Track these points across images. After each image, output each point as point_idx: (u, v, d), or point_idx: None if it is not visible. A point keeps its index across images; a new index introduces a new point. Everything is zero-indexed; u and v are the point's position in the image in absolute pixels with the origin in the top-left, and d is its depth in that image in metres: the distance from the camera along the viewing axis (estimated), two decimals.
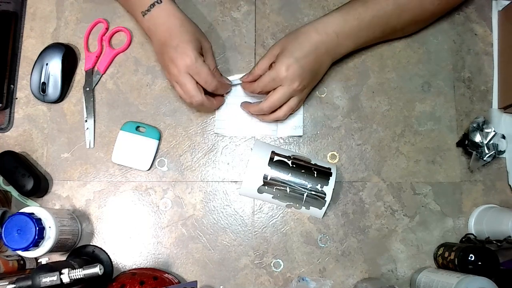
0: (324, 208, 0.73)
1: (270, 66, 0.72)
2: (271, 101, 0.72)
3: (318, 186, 0.72)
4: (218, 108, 0.78)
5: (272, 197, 0.74)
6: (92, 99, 0.79)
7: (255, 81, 0.73)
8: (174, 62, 0.69)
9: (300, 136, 0.79)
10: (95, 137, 0.78)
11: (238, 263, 0.76)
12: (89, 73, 0.80)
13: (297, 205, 0.74)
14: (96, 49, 0.80)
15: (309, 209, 0.74)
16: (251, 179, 0.73)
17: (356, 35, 0.73)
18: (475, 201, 0.78)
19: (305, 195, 0.73)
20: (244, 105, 0.77)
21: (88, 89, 0.79)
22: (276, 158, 0.73)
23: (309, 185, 0.72)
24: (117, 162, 0.77)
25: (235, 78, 0.78)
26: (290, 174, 0.72)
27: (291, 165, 0.73)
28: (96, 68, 0.80)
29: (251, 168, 0.73)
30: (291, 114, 0.76)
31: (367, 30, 0.73)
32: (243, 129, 0.79)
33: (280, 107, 0.73)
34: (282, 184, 0.73)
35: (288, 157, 0.74)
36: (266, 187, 0.73)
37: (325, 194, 0.72)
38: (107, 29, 0.81)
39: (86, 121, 0.78)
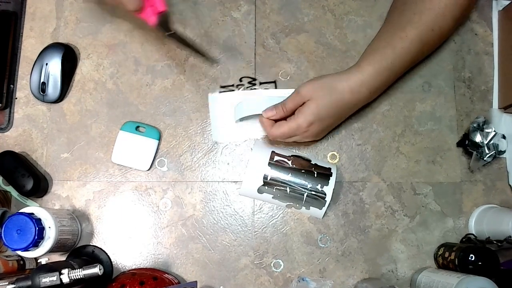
0: (324, 208, 0.73)
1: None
2: (282, 139, 0.72)
3: (318, 186, 0.72)
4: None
5: (272, 197, 0.74)
6: (183, 37, 0.72)
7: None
8: None
9: None
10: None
11: (238, 263, 0.76)
12: (162, 22, 0.68)
13: (297, 205, 0.74)
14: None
15: (309, 209, 0.74)
16: (251, 179, 0.73)
17: (387, 85, 0.73)
18: (476, 201, 0.78)
19: (305, 195, 0.72)
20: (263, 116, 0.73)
21: (168, 34, 0.69)
22: (276, 158, 0.73)
23: (309, 185, 0.72)
24: (117, 162, 0.77)
25: (253, 99, 0.77)
26: (290, 174, 0.72)
27: (291, 165, 0.73)
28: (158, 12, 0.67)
29: (251, 168, 0.73)
30: None
31: (397, 76, 0.73)
32: (240, 133, 0.79)
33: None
34: (282, 184, 0.72)
35: (288, 157, 0.74)
36: (266, 187, 0.73)
37: (325, 194, 0.72)
38: None
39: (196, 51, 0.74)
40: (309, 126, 0.70)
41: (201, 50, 0.76)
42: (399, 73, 0.73)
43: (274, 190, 0.73)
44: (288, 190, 0.73)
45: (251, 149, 0.77)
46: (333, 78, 0.70)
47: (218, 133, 0.78)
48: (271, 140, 0.78)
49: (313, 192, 0.72)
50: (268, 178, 0.72)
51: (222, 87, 0.80)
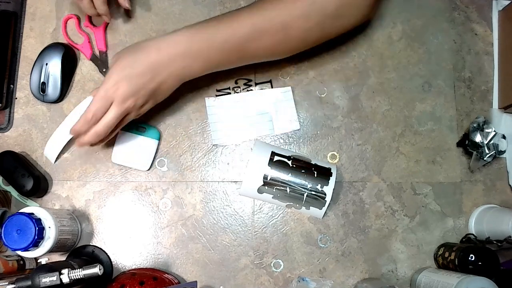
0: (324, 208, 0.73)
1: None
2: (105, 122, 0.65)
3: (318, 186, 0.72)
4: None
5: (272, 197, 0.74)
6: None
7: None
8: None
9: (299, 133, 0.79)
10: None
11: (238, 263, 0.76)
12: (95, 59, 0.80)
13: (297, 205, 0.74)
14: (82, 38, 0.80)
15: (309, 209, 0.74)
16: (251, 179, 0.73)
17: (206, 58, 0.67)
18: (476, 201, 0.78)
19: (305, 195, 0.72)
20: (78, 142, 0.68)
21: (105, 70, 0.80)
22: (276, 158, 0.73)
23: (309, 185, 0.72)
24: (117, 162, 0.77)
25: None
26: (290, 174, 0.72)
27: (291, 165, 0.73)
28: (97, 51, 0.80)
29: (251, 168, 0.73)
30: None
31: (220, 54, 0.67)
32: (240, 135, 0.78)
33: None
34: (282, 184, 0.73)
35: (288, 157, 0.74)
36: (266, 187, 0.73)
37: (325, 194, 0.72)
38: (78, 19, 0.81)
39: None
40: (117, 86, 0.64)
41: None
42: (226, 51, 0.67)
43: (274, 190, 0.73)
44: (288, 190, 0.73)
45: (251, 149, 0.77)
46: (145, 40, 0.67)
47: (217, 136, 0.78)
48: (271, 140, 0.78)
49: (313, 192, 0.72)
50: (268, 178, 0.72)
51: (218, 91, 0.79)
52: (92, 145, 0.68)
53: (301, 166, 0.73)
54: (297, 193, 0.73)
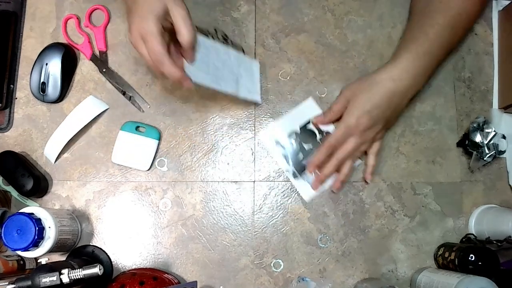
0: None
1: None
2: (345, 152, 0.73)
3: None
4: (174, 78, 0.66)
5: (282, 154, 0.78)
6: (114, 74, 0.80)
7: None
8: (130, 29, 0.65)
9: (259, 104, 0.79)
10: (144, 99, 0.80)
11: (238, 263, 0.76)
12: (95, 59, 0.80)
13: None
14: (82, 38, 0.80)
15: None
16: (279, 127, 0.78)
17: (430, 69, 0.73)
18: (476, 201, 0.78)
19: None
20: (316, 159, 0.75)
21: (104, 70, 0.80)
22: (309, 126, 0.78)
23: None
24: (117, 162, 0.77)
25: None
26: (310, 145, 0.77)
27: (318, 139, 0.77)
28: (97, 51, 0.81)
29: (287, 117, 0.78)
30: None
31: (438, 60, 0.74)
32: (212, 78, 0.72)
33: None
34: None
35: (321, 132, 0.78)
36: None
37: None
38: (78, 19, 0.81)
39: (124, 93, 0.79)
40: (358, 121, 0.71)
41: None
42: (438, 57, 0.74)
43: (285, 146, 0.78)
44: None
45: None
46: (372, 74, 0.73)
47: (190, 71, 0.69)
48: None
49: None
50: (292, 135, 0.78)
51: (197, 27, 0.77)
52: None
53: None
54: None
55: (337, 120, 0.76)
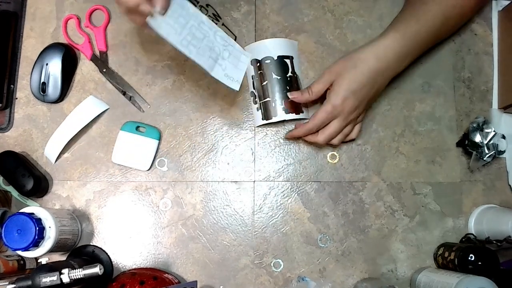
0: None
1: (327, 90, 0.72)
2: (328, 134, 0.72)
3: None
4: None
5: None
6: (114, 74, 0.80)
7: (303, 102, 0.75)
8: None
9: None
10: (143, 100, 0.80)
11: (238, 263, 0.76)
12: (95, 59, 0.80)
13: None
14: (82, 38, 0.81)
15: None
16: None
17: (414, 53, 0.73)
18: (475, 201, 0.78)
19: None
20: (296, 132, 0.75)
21: (105, 70, 0.80)
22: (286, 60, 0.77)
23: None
24: (117, 162, 0.77)
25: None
26: None
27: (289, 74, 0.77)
28: (97, 51, 0.81)
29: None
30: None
31: (423, 48, 0.74)
32: (182, 41, 0.66)
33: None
34: None
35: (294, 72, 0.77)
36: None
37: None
38: (78, 19, 0.81)
39: (124, 93, 0.79)
40: (344, 102, 0.69)
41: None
42: (425, 42, 0.73)
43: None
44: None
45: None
46: (357, 50, 0.71)
47: (156, 23, 0.64)
48: None
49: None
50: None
51: None
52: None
53: None
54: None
55: (312, 102, 0.75)
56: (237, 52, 0.71)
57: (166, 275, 0.73)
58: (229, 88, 0.69)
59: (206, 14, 0.74)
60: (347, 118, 0.71)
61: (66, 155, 0.78)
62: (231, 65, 0.71)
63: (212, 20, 0.71)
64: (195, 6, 0.69)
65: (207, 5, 0.78)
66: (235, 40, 0.77)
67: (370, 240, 0.76)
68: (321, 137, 0.72)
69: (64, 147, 0.76)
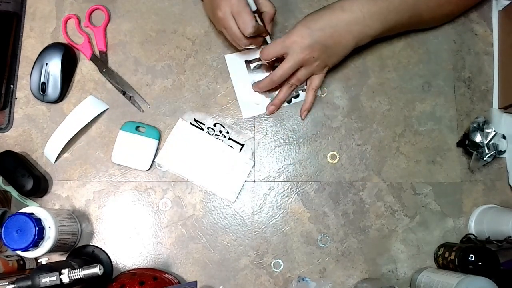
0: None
1: None
2: (282, 69, 0.72)
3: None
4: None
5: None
6: (114, 74, 0.80)
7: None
8: (219, 6, 0.69)
9: (299, 133, 0.79)
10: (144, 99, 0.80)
11: (238, 263, 0.76)
12: (95, 59, 0.80)
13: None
14: (82, 38, 0.81)
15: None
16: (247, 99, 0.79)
17: (385, 18, 0.71)
18: (476, 201, 0.78)
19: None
20: (255, 85, 0.78)
21: (104, 70, 0.80)
22: (252, 65, 0.80)
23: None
24: (117, 162, 0.77)
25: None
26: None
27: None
28: (97, 51, 0.81)
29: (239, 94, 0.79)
30: (315, 94, 0.78)
31: (396, 13, 0.72)
32: (184, 168, 0.77)
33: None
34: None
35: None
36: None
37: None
38: (78, 19, 0.81)
39: (124, 93, 0.79)
40: (298, 37, 0.69)
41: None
42: (397, 12, 0.72)
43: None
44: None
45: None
46: (329, 4, 0.72)
47: (162, 156, 0.77)
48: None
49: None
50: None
51: (195, 120, 0.78)
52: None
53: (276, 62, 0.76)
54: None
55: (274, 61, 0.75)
56: (242, 161, 0.76)
57: (166, 275, 0.73)
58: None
59: (213, 134, 0.78)
60: (299, 55, 0.70)
61: (65, 155, 0.78)
62: (231, 178, 0.77)
63: (218, 138, 0.78)
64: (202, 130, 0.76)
65: (217, 127, 0.79)
66: (241, 147, 0.78)
67: (370, 240, 0.76)
68: (275, 73, 0.73)
69: (64, 147, 0.76)
